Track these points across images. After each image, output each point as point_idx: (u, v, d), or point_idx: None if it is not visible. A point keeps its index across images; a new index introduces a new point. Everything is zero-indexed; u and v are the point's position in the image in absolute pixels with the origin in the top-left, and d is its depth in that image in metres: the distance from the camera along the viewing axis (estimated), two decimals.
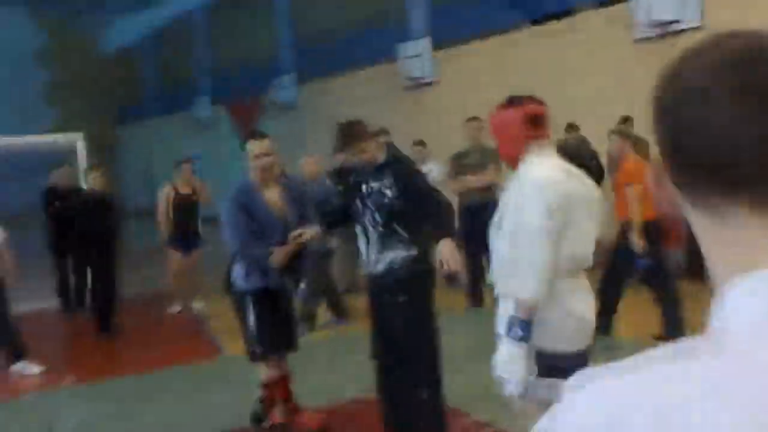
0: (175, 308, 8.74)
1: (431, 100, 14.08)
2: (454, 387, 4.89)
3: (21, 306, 7.45)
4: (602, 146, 9.33)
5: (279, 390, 4.60)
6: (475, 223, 7.49)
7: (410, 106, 14.16)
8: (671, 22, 9.88)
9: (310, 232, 4.36)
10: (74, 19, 28.19)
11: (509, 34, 12.79)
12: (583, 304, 2.89)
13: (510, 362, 2.77)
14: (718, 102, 0.69)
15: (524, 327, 2.73)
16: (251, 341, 4.49)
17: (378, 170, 4.07)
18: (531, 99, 3.00)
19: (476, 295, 7.77)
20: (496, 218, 2.96)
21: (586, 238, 2.87)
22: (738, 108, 0.68)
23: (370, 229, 4.07)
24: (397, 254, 4.00)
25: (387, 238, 4.01)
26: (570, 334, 2.84)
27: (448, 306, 8.18)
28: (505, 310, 2.85)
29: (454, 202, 7.83)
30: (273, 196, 4.52)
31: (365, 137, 4.14)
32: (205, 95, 22.88)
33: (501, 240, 2.89)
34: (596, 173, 9.24)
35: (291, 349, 4.67)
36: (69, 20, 28.34)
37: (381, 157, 4.11)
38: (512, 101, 2.99)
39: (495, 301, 3.02)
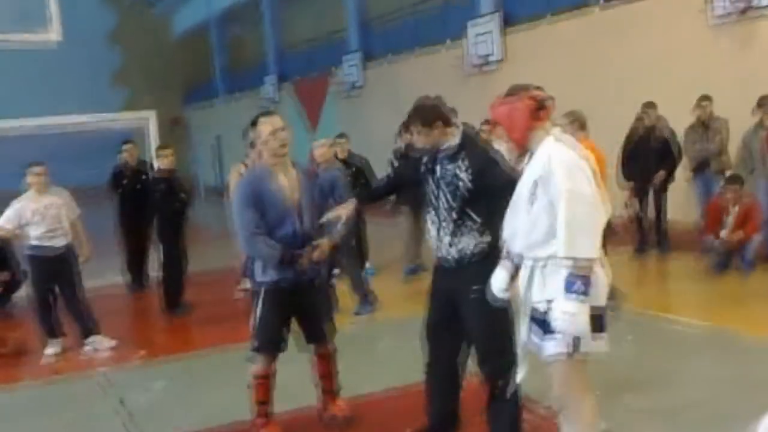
0: (244, 286, 8.81)
1: (499, 79, 13.85)
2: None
3: (90, 282, 7.62)
4: (678, 128, 9.07)
5: (260, 390, 4.35)
6: None
7: (477, 86, 13.96)
8: (747, 6, 9.58)
9: (345, 210, 4.10)
10: (141, 1, 28.73)
11: (581, 13, 12.48)
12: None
13: (575, 319, 3.00)
14: None
15: (587, 283, 3.00)
16: (252, 333, 4.34)
17: (452, 152, 3.92)
18: (533, 87, 3.29)
19: None
20: (518, 196, 3.26)
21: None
22: None
23: (443, 212, 3.92)
24: (470, 241, 3.85)
25: (460, 223, 3.86)
26: (603, 290, 3.14)
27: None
28: (534, 272, 3.17)
29: None
30: (288, 181, 4.22)
31: (446, 117, 4.04)
32: (272, 75, 23.03)
33: (533, 212, 3.15)
34: (667, 153, 8.99)
35: (320, 342, 4.45)
36: (140, 1, 28.88)
37: (456, 138, 3.98)
38: (517, 90, 3.27)
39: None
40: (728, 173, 8.60)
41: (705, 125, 8.88)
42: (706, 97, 8.88)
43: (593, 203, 3.04)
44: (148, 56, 29.01)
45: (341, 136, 9.32)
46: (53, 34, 9.99)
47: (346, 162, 8.78)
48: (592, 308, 3.05)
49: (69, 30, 10.34)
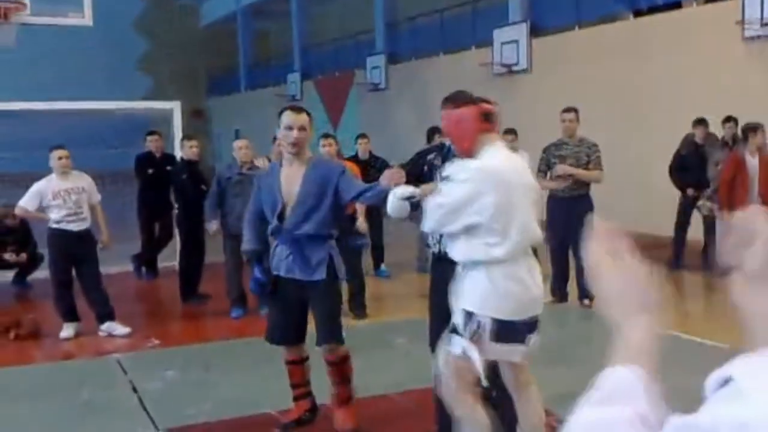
0: None
1: (524, 88, 13.82)
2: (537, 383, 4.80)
3: (107, 268, 7.66)
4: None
5: (290, 374, 4.46)
6: (563, 216, 7.31)
7: (501, 93, 13.89)
8: None
9: (395, 174, 3.88)
10: None
11: (610, 25, 12.43)
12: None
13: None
14: None
15: None
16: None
17: None
18: (482, 99, 3.44)
19: (560, 289, 7.57)
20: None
21: (526, 220, 3.25)
22: None
23: None
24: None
25: None
26: (506, 302, 3.28)
27: None
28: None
29: (543, 194, 7.68)
30: (293, 174, 4.14)
31: None
32: (296, 71, 23.06)
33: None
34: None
35: (327, 344, 4.27)
36: None
37: None
38: (466, 101, 3.41)
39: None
40: None
41: (728, 146, 8.81)
42: (729, 119, 8.80)
43: (445, 205, 3.22)
44: (174, 45, 29.17)
45: (362, 136, 9.31)
46: (84, 17, 10.05)
47: (367, 162, 8.78)
48: (494, 320, 3.23)
49: (99, 14, 10.39)
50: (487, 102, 3.44)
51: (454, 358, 3.35)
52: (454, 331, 3.35)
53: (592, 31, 12.62)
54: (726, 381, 0.74)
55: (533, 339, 3.43)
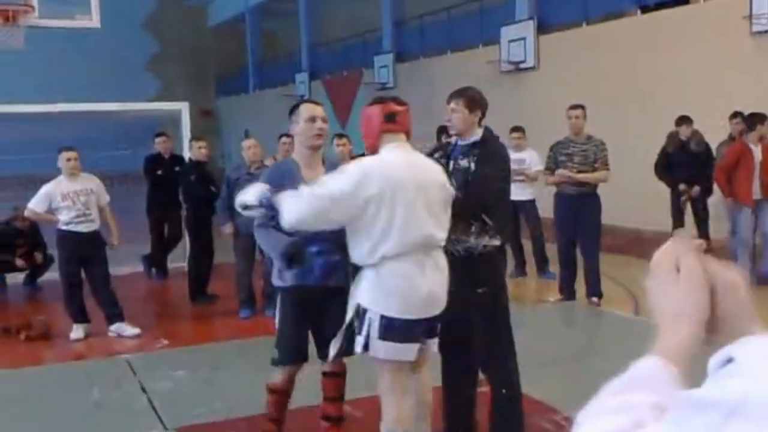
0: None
1: (532, 85, 13.81)
2: (545, 382, 4.81)
3: (116, 269, 7.70)
4: (718, 138, 8.98)
5: (275, 407, 4.07)
6: (570, 214, 7.30)
7: (509, 91, 13.92)
8: None
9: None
10: None
11: (617, 21, 12.40)
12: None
13: None
14: None
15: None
16: (275, 344, 3.98)
17: (471, 147, 3.90)
18: (393, 99, 3.57)
19: (568, 287, 7.57)
20: None
21: (410, 218, 3.26)
22: None
23: (453, 208, 3.83)
24: (479, 241, 3.80)
25: (469, 223, 3.80)
26: (394, 299, 3.31)
27: (539, 298, 8.07)
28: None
29: (551, 191, 7.67)
30: (315, 176, 3.69)
31: (485, 112, 4.00)
32: (303, 71, 23.09)
33: None
34: (705, 167, 8.90)
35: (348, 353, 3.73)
36: None
37: (478, 134, 3.95)
38: (376, 100, 3.57)
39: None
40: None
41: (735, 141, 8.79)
42: (736, 114, 8.78)
43: (320, 195, 3.21)
44: (182, 46, 29.22)
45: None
46: (92, 20, 10.09)
47: None
48: (381, 316, 3.26)
49: (107, 15, 10.43)
50: (399, 103, 3.53)
51: (371, 357, 3.38)
52: (352, 327, 3.39)
53: (599, 28, 12.59)
54: (728, 360, 0.77)
55: (430, 342, 3.46)
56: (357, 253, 3.39)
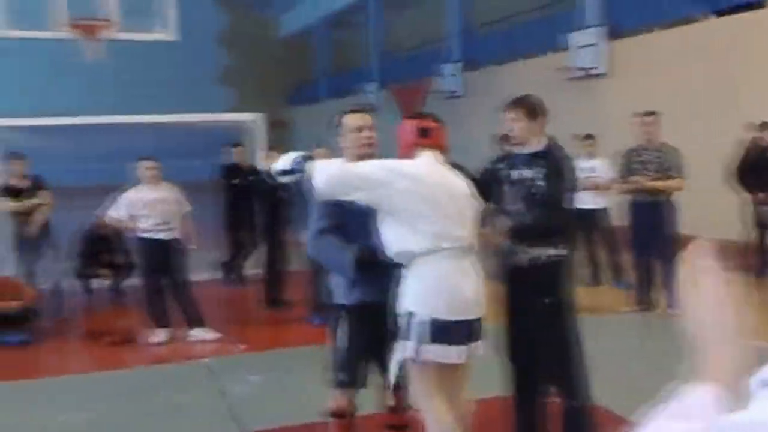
0: None
1: (601, 92, 13.64)
2: (618, 393, 4.77)
3: (195, 275, 7.93)
4: None
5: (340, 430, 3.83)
6: (645, 222, 7.21)
7: (578, 98, 13.77)
8: None
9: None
10: (256, 3, 29.53)
11: (690, 25, 12.16)
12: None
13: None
14: None
15: None
16: (336, 365, 3.72)
17: (533, 157, 3.91)
18: (429, 116, 3.73)
19: (645, 297, 7.46)
20: None
21: (444, 219, 3.40)
22: None
23: (515, 218, 3.91)
24: (544, 251, 3.83)
25: (534, 232, 3.86)
26: (443, 301, 3.37)
27: (614, 308, 7.97)
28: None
29: (624, 199, 7.57)
30: None
31: (546, 117, 4.01)
32: (373, 80, 23.29)
33: None
34: None
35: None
36: (251, 4, 29.70)
37: (541, 143, 3.96)
38: (412, 116, 3.77)
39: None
40: None
41: None
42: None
43: (352, 171, 3.41)
44: (255, 57, 29.82)
45: None
46: (169, 33, 10.41)
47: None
48: (432, 320, 3.30)
49: (183, 29, 10.73)
50: (433, 120, 3.68)
51: (411, 362, 3.40)
52: (401, 335, 3.40)
53: (673, 32, 12.36)
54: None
55: (476, 345, 3.46)
56: (391, 245, 3.43)
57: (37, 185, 8.19)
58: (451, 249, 3.41)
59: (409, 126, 3.63)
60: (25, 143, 9.38)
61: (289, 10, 29.68)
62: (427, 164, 3.53)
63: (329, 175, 3.41)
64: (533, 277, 3.86)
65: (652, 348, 6.35)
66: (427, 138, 3.60)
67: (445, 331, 3.34)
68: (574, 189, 4.06)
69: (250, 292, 9.22)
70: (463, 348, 3.42)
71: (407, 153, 3.60)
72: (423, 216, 3.37)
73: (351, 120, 3.77)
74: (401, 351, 3.42)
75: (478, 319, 3.48)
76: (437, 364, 3.41)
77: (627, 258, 8.08)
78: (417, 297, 3.38)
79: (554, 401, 4.08)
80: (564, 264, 3.91)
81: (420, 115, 3.76)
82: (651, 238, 7.15)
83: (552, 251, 3.86)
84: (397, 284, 3.43)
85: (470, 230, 3.51)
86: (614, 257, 8.67)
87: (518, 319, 3.99)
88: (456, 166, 9.34)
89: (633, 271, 7.51)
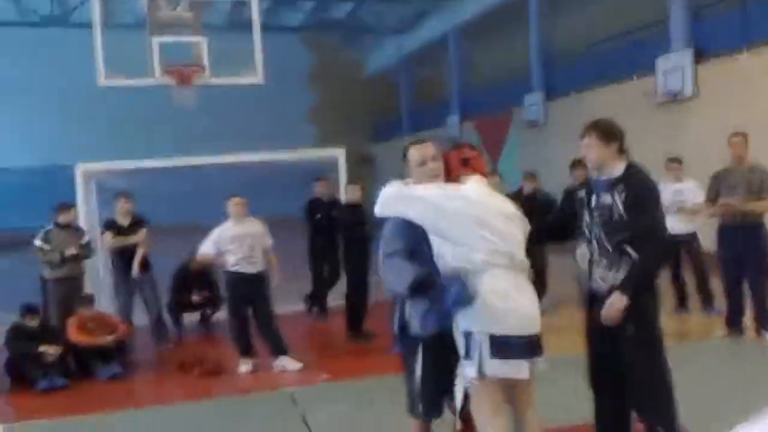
0: None
1: (689, 115, 13.31)
2: (704, 418, 4.61)
3: (279, 307, 8.10)
4: None
5: None
6: (736, 246, 6.98)
7: (665, 122, 13.48)
8: None
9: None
10: (342, 43, 30.27)
11: None
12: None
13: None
14: None
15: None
16: (414, 396, 3.74)
17: (612, 182, 3.84)
18: (467, 146, 3.94)
19: (736, 322, 7.20)
20: None
21: (495, 234, 3.49)
22: None
23: (596, 244, 3.87)
24: (624, 275, 3.76)
25: (614, 256, 3.79)
26: (499, 317, 3.42)
27: (704, 334, 7.71)
28: None
29: (714, 223, 7.35)
30: None
31: (623, 140, 3.94)
32: (455, 113, 23.41)
33: None
34: None
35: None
36: (337, 45, 30.46)
37: (620, 168, 3.89)
38: (455, 146, 3.94)
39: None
40: None
41: None
42: None
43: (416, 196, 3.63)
44: (341, 95, 30.47)
45: (531, 175, 9.64)
46: (257, 77, 10.76)
47: (533, 198, 8.90)
48: (491, 336, 3.37)
49: (271, 70, 11.07)
50: (471, 149, 3.91)
51: (474, 382, 3.44)
52: (463, 355, 3.46)
53: (759, 54, 11.99)
54: None
55: (538, 360, 3.47)
56: (446, 265, 3.49)
57: (138, 223, 8.56)
58: (504, 266, 3.46)
59: (452, 157, 3.83)
60: (126, 185, 9.85)
61: (374, 50, 30.29)
62: (475, 188, 3.68)
63: (387, 195, 3.65)
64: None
65: (742, 374, 6.11)
66: (468, 167, 3.80)
67: (504, 347, 3.37)
68: (657, 213, 3.93)
69: (333, 323, 9.34)
70: (525, 363, 3.41)
71: (453, 180, 3.76)
72: (475, 235, 3.47)
73: (414, 152, 3.79)
74: (463, 373, 3.46)
75: (537, 335, 3.48)
76: (499, 381, 3.39)
77: (716, 283, 7.82)
78: (474, 316, 3.41)
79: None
80: (646, 290, 3.83)
81: (460, 146, 3.95)
82: (742, 262, 6.92)
83: None
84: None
85: (521, 248, 3.59)
86: (703, 283, 8.39)
87: (601, 347, 3.93)
88: (537, 191, 9.20)
89: (723, 296, 7.26)
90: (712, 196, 7.18)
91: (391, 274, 3.59)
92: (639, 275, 3.77)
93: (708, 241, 7.80)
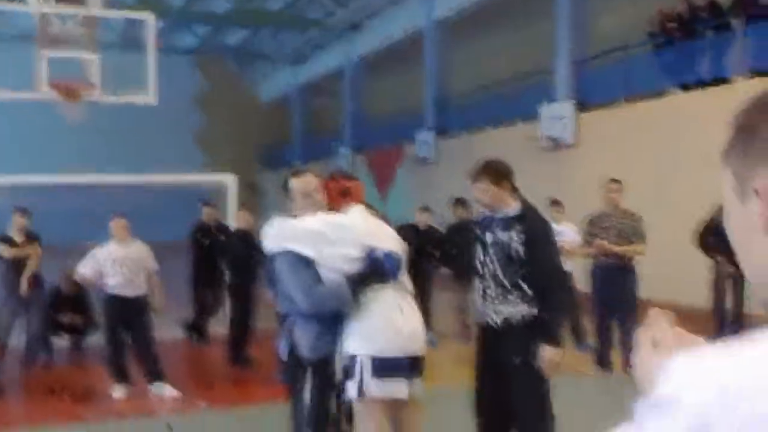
0: None
1: (570, 161, 13.95)
2: None
3: (159, 333, 7.87)
4: None
5: None
6: (607, 286, 7.33)
7: (548, 166, 14.07)
8: None
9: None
10: (235, 69, 30.05)
11: (657, 100, 12.54)
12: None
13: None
14: None
15: None
16: (301, 421, 3.70)
17: (509, 220, 3.99)
18: (343, 176, 4.11)
19: (605, 359, 7.53)
20: None
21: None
22: None
23: (491, 280, 3.98)
24: (516, 309, 3.90)
25: (507, 292, 3.92)
26: (384, 338, 3.52)
27: (575, 369, 8.01)
28: None
29: (587, 264, 7.71)
30: None
31: (513, 180, 4.10)
32: (346, 146, 23.61)
33: None
34: None
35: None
36: (230, 70, 30.19)
37: (515, 207, 4.05)
38: (333, 177, 4.03)
39: None
40: None
41: None
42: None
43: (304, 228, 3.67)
44: (231, 121, 30.13)
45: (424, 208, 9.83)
46: (149, 97, 10.55)
47: (428, 231, 9.11)
48: (371, 357, 3.44)
49: (162, 92, 10.87)
50: (349, 179, 4.03)
51: (356, 403, 3.53)
52: (345, 377, 3.55)
53: (640, 106, 12.74)
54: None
55: (416, 381, 3.58)
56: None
57: (31, 240, 8.17)
58: (390, 287, 3.56)
59: (332, 188, 3.91)
60: (16, 201, 9.35)
61: (269, 78, 30.23)
62: (360, 216, 3.79)
63: (276, 230, 3.71)
64: (505, 336, 3.93)
65: (612, 409, 6.37)
66: (349, 196, 3.90)
67: (385, 367, 3.45)
68: (557, 252, 4.21)
69: (214, 350, 9.16)
70: (404, 382, 3.51)
71: (334, 209, 3.84)
72: (358, 260, 3.56)
73: (297, 184, 3.81)
74: (347, 392, 3.52)
75: (419, 356, 3.58)
76: (382, 401, 3.45)
77: (588, 321, 8.17)
78: (357, 340, 3.50)
79: None
80: (534, 322, 3.96)
81: (335, 178, 4.03)
82: (613, 301, 7.27)
83: (525, 310, 3.92)
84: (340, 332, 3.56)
85: (404, 271, 3.70)
86: (576, 321, 8.75)
87: (490, 378, 4.05)
88: (426, 226, 9.38)
89: (594, 333, 7.59)
90: (588, 239, 7.53)
91: (328, 301, 3.56)
92: (557, 321, 3.97)
93: (581, 282, 8.17)
